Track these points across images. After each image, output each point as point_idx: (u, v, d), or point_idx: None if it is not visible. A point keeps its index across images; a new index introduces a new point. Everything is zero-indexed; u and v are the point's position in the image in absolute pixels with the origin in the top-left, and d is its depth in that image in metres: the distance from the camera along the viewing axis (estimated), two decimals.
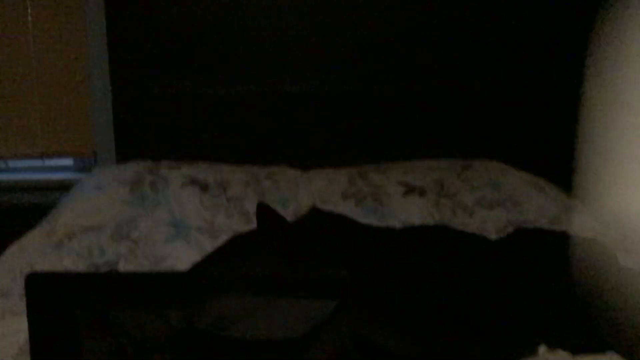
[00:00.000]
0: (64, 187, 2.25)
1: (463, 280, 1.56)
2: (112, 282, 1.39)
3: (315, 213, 1.95)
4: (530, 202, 2.14)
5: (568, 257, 1.66)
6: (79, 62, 2.39)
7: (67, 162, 2.53)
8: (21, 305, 1.30)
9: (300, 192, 2.18)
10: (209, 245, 1.86)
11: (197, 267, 1.64)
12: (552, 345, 1.40)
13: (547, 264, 1.64)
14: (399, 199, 2.17)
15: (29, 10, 2.34)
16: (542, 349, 1.39)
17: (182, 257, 1.82)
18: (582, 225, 1.99)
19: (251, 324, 1.34)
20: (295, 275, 1.32)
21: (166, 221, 1.97)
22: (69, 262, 1.78)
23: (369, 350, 1.25)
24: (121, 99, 2.42)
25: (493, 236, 1.97)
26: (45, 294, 1.21)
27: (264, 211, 1.93)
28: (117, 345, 1.30)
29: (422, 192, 2.20)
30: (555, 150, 2.47)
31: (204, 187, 2.11)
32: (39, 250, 1.82)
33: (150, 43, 2.39)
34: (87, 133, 2.42)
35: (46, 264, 1.74)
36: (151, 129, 2.44)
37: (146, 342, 1.32)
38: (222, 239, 1.89)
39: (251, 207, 2.03)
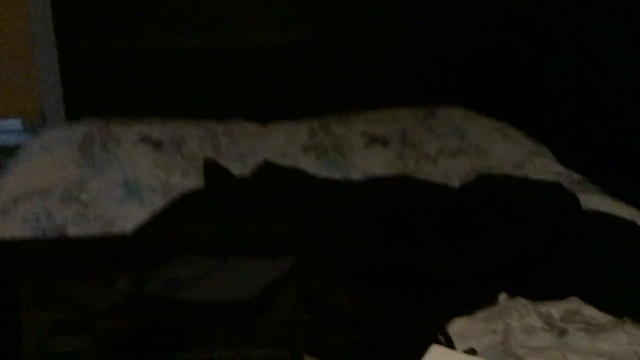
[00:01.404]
0: (12, 150, 2.15)
1: (422, 232, 1.52)
2: (54, 248, 1.32)
3: (266, 167, 1.88)
4: (494, 149, 2.10)
5: (530, 202, 1.63)
6: (22, 17, 2.26)
7: (15, 123, 2.42)
8: None
9: (259, 146, 2.12)
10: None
11: (142, 229, 1.57)
12: (513, 293, 1.37)
13: (508, 210, 1.60)
14: (361, 150, 2.11)
15: None
16: (502, 297, 1.37)
17: (135, 218, 1.74)
18: (545, 168, 1.96)
19: (202, 287, 1.29)
20: (246, 235, 1.27)
21: (118, 182, 1.89)
22: (14, 227, 1.70)
23: (322, 312, 1.21)
24: (68, 55, 2.30)
25: (457, 184, 1.93)
26: None
27: (211, 167, 1.86)
28: (61, 315, 1.24)
29: (384, 142, 2.15)
30: (518, 93, 2.43)
31: (157, 145, 2.04)
32: None
33: None
34: (34, 92, 2.30)
35: None
36: (102, 86, 2.33)
37: (92, 309, 1.26)
38: None
39: None
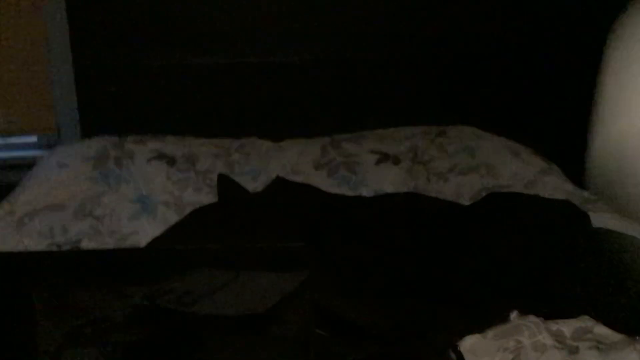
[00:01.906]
0: (28, 165, 2.18)
1: (433, 248, 1.52)
2: (69, 260, 1.34)
3: (279, 183, 1.90)
4: (505, 167, 2.10)
5: (541, 220, 1.63)
6: (39, 35, 2.30)
7: (32, 139, 2.45)
8: None
9: (271, 163, 2.14)
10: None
11: (156, 242, 1.59)
12: (524, 311, 1.37)
13: (519, 228, 1.60)
14: (372, 168, 2.13)
15: None
16: (513, 314, 1.36)
17: (148, 233, 1.77)
18: (556, 187, 1.96)
19: (215, 300, 1.30)
20: (259, 249, 1.28)
21: (132, 197, 1.91)
22: (29, 241, 1.72)
23: (335, 324, 1.21)
24: (84, 72, 2.33)
25: (467, 202, 1.94)
26: None
27: (225, 182, 1.87)
28: (75, 327, 1.25)
29: (395, 160, 2.16)
30: (530, 113, 2.44)
31: (171, 161, 2.06)
32: None
33: (113, 12, 2.31)
34: (49, 109, 2.34)
35: (6, 244, 1.69)
36: (117, 103, 2.37)
37: (106, 321, 1.27)
38: None
39: None
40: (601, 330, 1.34)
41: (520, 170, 2.08)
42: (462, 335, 1.27)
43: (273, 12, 2.34)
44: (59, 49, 2.29)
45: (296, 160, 2.15)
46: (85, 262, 1.33)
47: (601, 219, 1.72)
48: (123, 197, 1.91)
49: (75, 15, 2.28)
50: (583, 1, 2.39)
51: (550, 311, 1.36)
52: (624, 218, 1.77)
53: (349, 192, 2.00)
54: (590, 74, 2.24)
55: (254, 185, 2.01)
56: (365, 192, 2.02)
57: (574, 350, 1.28)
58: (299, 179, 2.04)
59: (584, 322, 1.36)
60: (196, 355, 1.24)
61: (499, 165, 2.11)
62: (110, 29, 2.31)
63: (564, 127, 2.41)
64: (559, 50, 2.42)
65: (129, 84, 2.36)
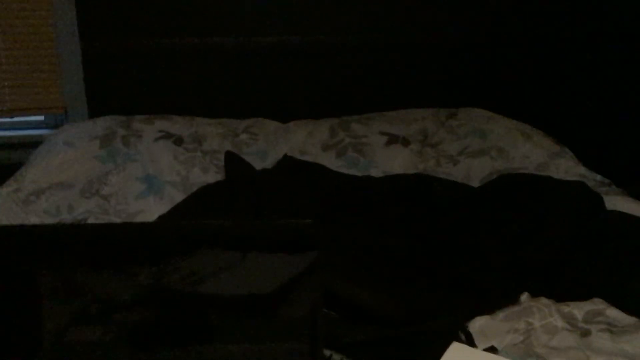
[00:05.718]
0: (35, 144, 2.17)
1: (443, 230, 1.50)
2: (73, 236, 1.32)
3: (287, 162, 1.88)
4: (516, 150, 2.08)
5: (554, 201, 1.60)
6: (46, 14, 2.28)
7: (39, 118, 2.44)
8: None
9: (279, 144, 2.11)
10: None
11: (163, 219, 1.57)
12: (535, 293, 1.35)
13: (531, 210, 1.58)
14: (381, 150, 2.10)
15: None
16: (524, 296, 1.35)
17: (155, 213, 1.75)
18: (568, 170, 1.93)
19: (222, 280, 1.28)
20: (267, 227, 1.26)
21: (138, 176, 1.90)
22: (36, 219, 1.71)
23: (343, 307, 1.20)
24: (91, 52, 2.31)
25: (477, 185, 1.91)
26: None
27: (232, 160, 1.85)
28: (80, 306, 1.24)
29: (405, 142, 2.14)
30: (542, 96, 2.41)
31: (178, 141, 2.04)
32: (5, 208, 1.75)
33: None
34: (57, 88, 2.32)
35: (12, 222, 1.67)
36: (124, 83, 2.35)
37: (111, 301, 1.26)
38: None
39: None
40: (613, 313, 1.32)
41: (531, 153, 2.05)
42: (471, 317, 1.26)
43: None
44: (66, 28, 2.27)
45: (304, 141, 2.13)
46: (90, 237, 1.32)
47: (614, 202, 1.69)
48: (130, 176, 1.90)
49: None
50: None
51: (562, 293, 1.34)
52: (637, 201, 1.74)
53: (357, 174, 1.98)
54: (603, 58, 2.20)
55: (261, 165, 1.99)
56: (374, 173, 1.99)
57: (586, 333, 1.26)
58: (307, 159, 2.02)
59: (596, 304, 1.34)
60: (202, 335, 1.23)
61: (510, 148, 2.08)
62: (117, 10, 2.29)
63: (576, 109, 2.38)
64: (571, 33, 2.38)
65: (136, 64, 2.34)
